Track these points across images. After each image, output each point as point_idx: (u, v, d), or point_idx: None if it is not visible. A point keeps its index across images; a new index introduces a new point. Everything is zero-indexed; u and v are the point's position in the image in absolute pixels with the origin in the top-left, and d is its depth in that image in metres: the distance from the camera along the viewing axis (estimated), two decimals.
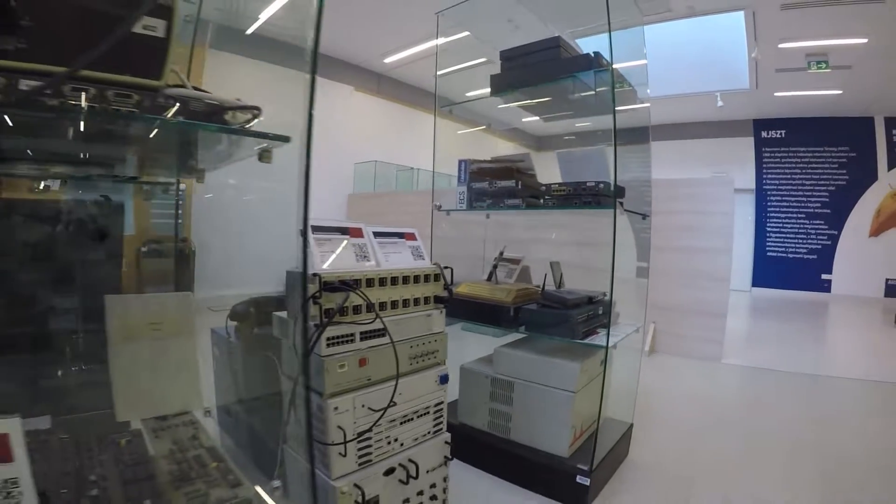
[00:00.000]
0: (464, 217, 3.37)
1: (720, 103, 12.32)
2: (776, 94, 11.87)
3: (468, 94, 3.58)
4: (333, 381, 1.65)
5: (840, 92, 11.44)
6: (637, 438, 3.24)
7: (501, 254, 3.30)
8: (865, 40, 8.74)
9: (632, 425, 3.14)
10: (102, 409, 1.44)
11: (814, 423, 4.00)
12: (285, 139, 1.43)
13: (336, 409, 1.65)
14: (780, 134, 14.01)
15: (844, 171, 13.49)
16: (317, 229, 1.77)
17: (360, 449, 1.73)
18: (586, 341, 2.58)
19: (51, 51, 0.89)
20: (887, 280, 12.46)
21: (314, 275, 1.60)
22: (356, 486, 1.66)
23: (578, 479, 2.44)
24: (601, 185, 2.66)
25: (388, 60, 11.52)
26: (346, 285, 1.64)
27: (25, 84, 0.84)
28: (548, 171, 3.19)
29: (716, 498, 2.69)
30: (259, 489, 1.47)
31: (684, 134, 13.88)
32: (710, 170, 14.15)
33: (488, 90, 3.16)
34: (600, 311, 2.79)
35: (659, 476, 2.92)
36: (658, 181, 4.22)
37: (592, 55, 2.74)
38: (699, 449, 3.38)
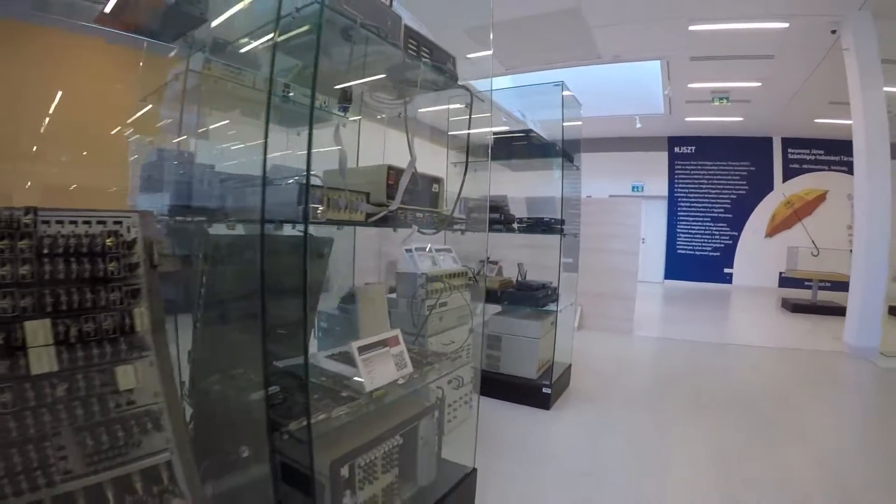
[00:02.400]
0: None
1: (639, 125, 14.10)
2: (686, 119, 13.83)
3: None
4: (432, 328, 3.36)
5: (741, 119, 13.47)
6: (574, 376, 5.09)
7: (488, 258, 5.06)
8: (759, 84, 10.75)
9: (571, 364, 5.01)
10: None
11: (706, 369, 6.05)
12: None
13: (430, 342, 3.36)
14: (691, 150, 15.98)
15: (745, 182, 15.62)
16: (417, 249, 3.48)
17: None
18: (544, 309, 4.41)
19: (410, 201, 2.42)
20: (780, 273, 14.35)
21: (422, 273, 3.29)
22: (438, 387, 3.27)
23: (544, 389, 4.25)
24: (552, 220, 4.47)
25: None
26: (441, 279, 3.35)
27: (414, 216, 2.42)
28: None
29: (630, 409, 4.55)
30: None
31: (608, 147, 15.65)
32: (629, 179, 16.28)
33: None
34: (550, 293, 4.61)
35: (592, 396, 4.78)
36: (589, 201, 6.08)
37: (552, 143, 4.53)
38: (618, 384, 5.29)
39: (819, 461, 3.50)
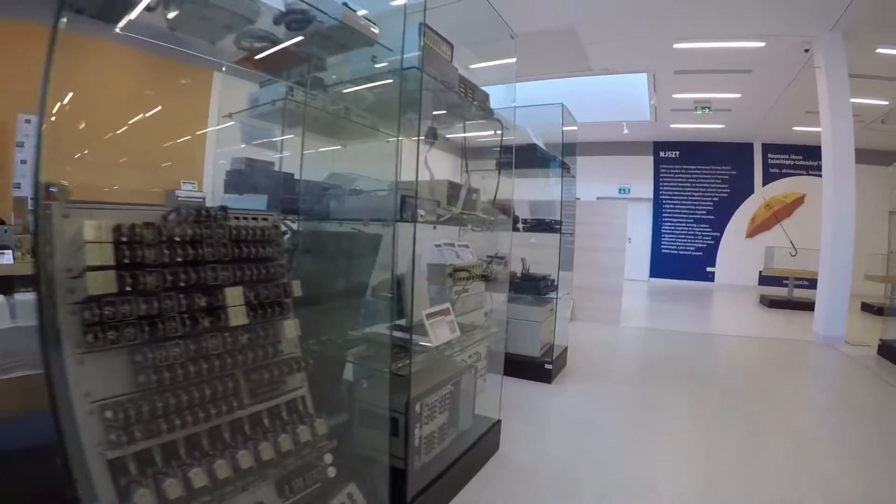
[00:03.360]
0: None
1: (626, 131, 14.79)
2: (671, 125, 14.58)
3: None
4: (457, 310, 3.99)
5: (723, 126, 14.26)
6: (570, 357, 5.76)
7: (496, 254, 5.72)
8: (739, 95, 11.53)
9: (567, 347, 5.67)
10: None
11: (686, 353, 6.76)
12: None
13: (455, 318, 4.00)
14: (675, 154, 16.76)
15: (727, 186, 16.41)
16: (444, 244, 4.12)
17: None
18: (544, 297, 5.07)
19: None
20: (760, 272, 15.12)
21: (450, 265, 3.94)
22: (463, 360, 3.89)
23: (546, 366, 4.91)
24: (553, 221, 5.13)
25: None
26: (465, 269, 4.00)
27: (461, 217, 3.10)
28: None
29: (620, 383, 5.24)
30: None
31: (598, 151, 16.32)
32: (616, 182, 17.07)
33: None
34: (549, 283, 5.27)
35: (587, 373, 5.46)
36: (582, 203, 6.74)
37: (554, 156, 5.18)
38: (609, 364, 6.02)
39: (781, 422, 4.21)
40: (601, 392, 4.90)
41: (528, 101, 5.90)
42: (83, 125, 5.18)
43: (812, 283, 10.80)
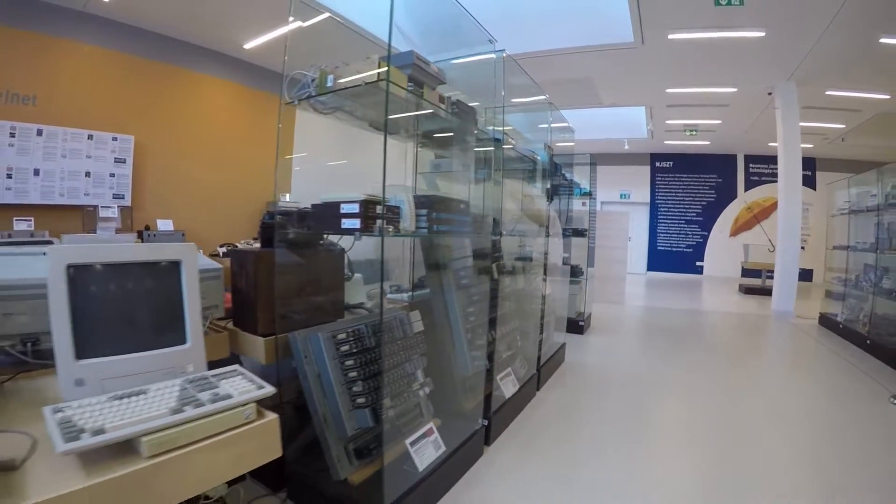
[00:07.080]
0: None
1: (626, 146, 17.25)
2: (665, 142, 17.11)
3: None
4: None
5: (708, 142, 16.75)
6: (593, 320, 8.37)
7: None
8: (720, 121, 14.08)
9: (591, 313, 8.29)
10: None
11: (677, 320, 9.35)
12: None
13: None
14: (669, 164, 19.05)
15: (713, 192, 18.73)
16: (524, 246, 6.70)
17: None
18: (577, 278, 7.69)
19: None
20: (742, 265, 16.67)
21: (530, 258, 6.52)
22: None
23: (580, 323, 7.53)
24: (583, 229, 7.75)
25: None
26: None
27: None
28: None
29: (629, 335, 7.89)
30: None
31: (601, 162, 17.70)
32: (618, 188, 19.41)
33: None
34: (579, 270, 7.86)
35: (606, 330, 8.10)
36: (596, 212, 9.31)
37: (584, 187, 7.80)
38: (621, 326, 8.66)
39: (735, 355, 6.88)
40: (618, 338, 7.57)
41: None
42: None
43: None
